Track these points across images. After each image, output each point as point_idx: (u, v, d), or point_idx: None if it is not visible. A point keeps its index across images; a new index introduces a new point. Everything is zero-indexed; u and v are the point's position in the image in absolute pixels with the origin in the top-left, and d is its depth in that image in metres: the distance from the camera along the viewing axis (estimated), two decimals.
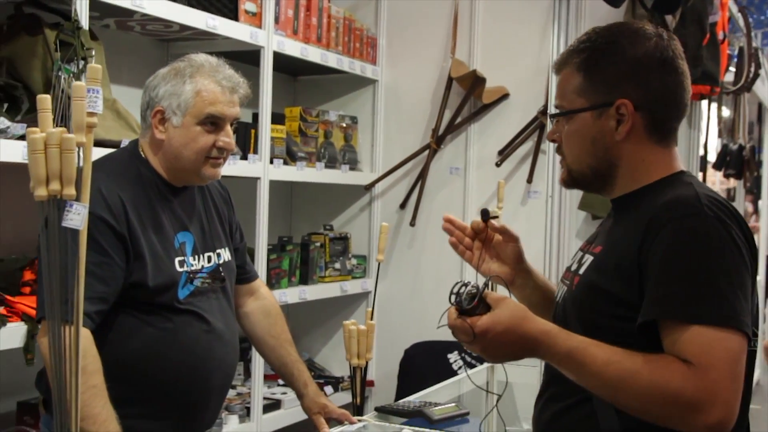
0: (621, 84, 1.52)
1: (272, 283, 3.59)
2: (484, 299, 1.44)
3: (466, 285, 1.44)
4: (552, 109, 1.67)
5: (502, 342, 1.42)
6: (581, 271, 1.59)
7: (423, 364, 3.90)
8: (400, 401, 2.59)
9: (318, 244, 3.95)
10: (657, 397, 1.35)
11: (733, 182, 6.29)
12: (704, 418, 1.32)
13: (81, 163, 1.33)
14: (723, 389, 1.32)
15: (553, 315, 1.66)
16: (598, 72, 1.54)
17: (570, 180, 1.63)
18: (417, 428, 2.24)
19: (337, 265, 4.06)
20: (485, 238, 1.82)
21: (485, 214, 1.80)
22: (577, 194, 3.52)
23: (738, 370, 1.35)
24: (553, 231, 3.10)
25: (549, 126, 1.69)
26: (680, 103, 1.56)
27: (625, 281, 1.45)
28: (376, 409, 2.45)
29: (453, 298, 1.45)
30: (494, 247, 1.83)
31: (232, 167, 3.24)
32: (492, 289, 1.75)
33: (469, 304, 1.43)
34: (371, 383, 4.24)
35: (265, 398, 3.59)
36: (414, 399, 2.61)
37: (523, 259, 1.84)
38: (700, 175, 3.79)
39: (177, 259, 2.04)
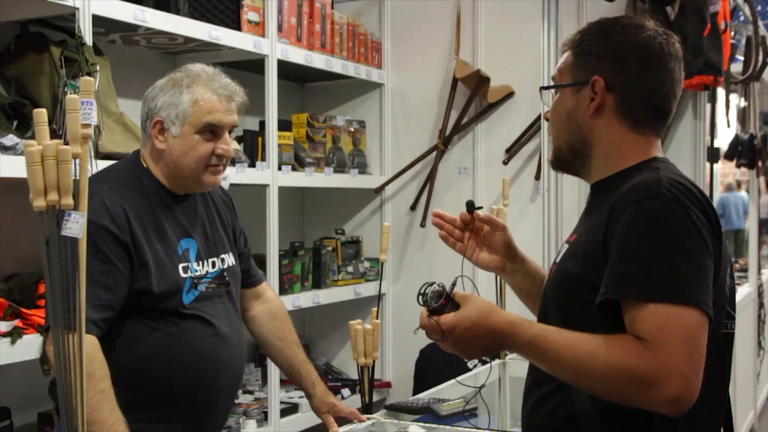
0: (600, 63, 1.56)
1: (285, 288, 3.63)
2: (452, 298, 1.46)
3: (431, 285, 1.47)
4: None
5: (469, 337, 1.44)
6: (558, 260, 1.62)
7: (438, 364, 3.92)
8: (410, 399, 2.62)
9: (330, 248, 3.99)
10: (613, 376, 1.36)
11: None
12: (661, 393, 1.32)
13: (78, 174, 1.36)
14: (677, 364, 1.32)
15: (539, 306, 1.69)
16: (584, 52, 1.58)
17: (553, 159, 1.68)
18: (424, 424, 2.26)
19: (350, 269, 4.10)
20: (473, 229, 1.87)
21: (470, 206, 1.85)
22: (578, 189, 3.53)
23: (695, 345, 1.35)
24: (551, 225, 3.12)
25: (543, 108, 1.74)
26: (655, 96, 1.57)
27: (593, 266, 1.46)
28: (386, 407, 2.48)
29: (420, 298, 1.47)
30: (484, 236, 1.88)
31: (241, 175, 3.28)
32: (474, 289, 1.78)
33: (437, 302, 1.45)
34: (388, 384, 4.27)
35: (282, 402, 3.63)
36: (424, 396, 2.64)
37: (513, 247, 1.88)
38: (707, 166, 3.78)
39: (181, 266, 2.08)
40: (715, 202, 5.64)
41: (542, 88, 1.69)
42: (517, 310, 1.61)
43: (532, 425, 1.62)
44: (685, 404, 1.34)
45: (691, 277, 1.37)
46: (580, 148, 1.61)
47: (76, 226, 1.36)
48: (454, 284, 1.51)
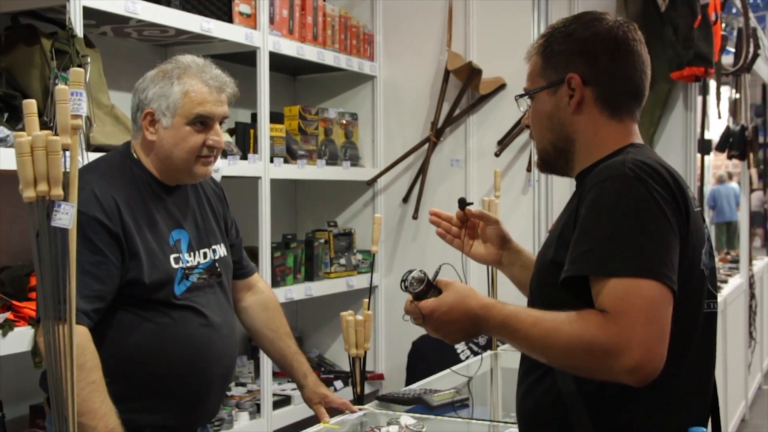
0: (572, 61, 1.60)
1: (277, 280, 3.64)
2: (434, 285, 1.53)
3: (412, 271, 1.52)
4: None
5: (448, 320, 1.51)
6: (540, 249, 1.67)
7: (431, 356, 3.93)
8: (402, 389, 2.63)
9: (322, 240, 4.00)
10: (575, 348, 1.39)
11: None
12: (622, 362, 1.35)
13: (68, 164, 1.36)
14: (637, 333, 1.35)
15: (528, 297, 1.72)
16: (553, 53, 1.62)
17: (540, 162, 1.71)
18: (416, 414, 2.27)
19: (343, 261, 4.10)
20: (468, 225, 1.94)
21: (462, 203, 1.93)
22: (569, 180, 3.54)
23: (655, 315, 1.37)
24: (542, 216, 3.13)
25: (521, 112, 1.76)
26: (630, 80, 1.61)
27: (566, 249, 1.49)
28: (377, 397, 2.49)
29: (402, 284, 1.52)
30: (479, 231, 1.95)
31: (233, 167, 3.28)
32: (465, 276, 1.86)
33: (418, 288, 1.51)
34: (381, 376, 4.28)
35: (274, 395, 3.64)
36: (416, 387, 2.65)
37: (508, 239, 1.94)
38: (698, 157, 3.79)
39: (172, 256, 2.08)
40: (707, 195, 5.69)
41: (518, 96, 1.71)
42: (509, 301, 1.62)
43: (524, 412, 1.65)
44: (648, 373, 1.36)
45: (652, 251, 1.40)
46: (563, 145, 1.64)
47: (65, 216, 1.36)
48: (437, 272, 1.56)
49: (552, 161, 1.68)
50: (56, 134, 1.33)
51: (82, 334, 1.84)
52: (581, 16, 1.65)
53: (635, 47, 1.61)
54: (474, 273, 3.37)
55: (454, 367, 3.05)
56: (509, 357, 3.06)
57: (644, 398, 1.46)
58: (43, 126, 2.01)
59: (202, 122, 2.08)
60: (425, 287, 1.51)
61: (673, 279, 1.40)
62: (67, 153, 1.35)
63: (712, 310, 1.58)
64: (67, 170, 1.35)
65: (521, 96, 1.69)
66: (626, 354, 1.34)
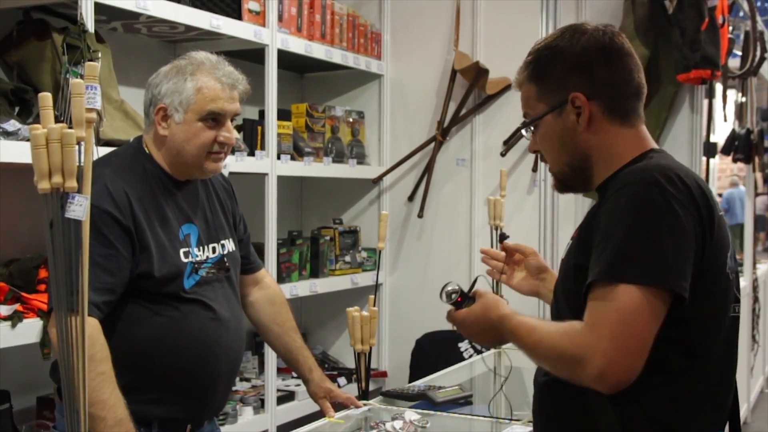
0: (569, 80, 1.59)
1: (283, 276, 3.66)
2: (467, 295, 1.69)
3: (448, 283, 1.70)
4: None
5: (477, 330, 1.65)
6: (563, 256, 1.69)
7: (434, 354, 3.95)
8: (406, 385, 2.64)
9: (328, 237, 4.01)
10: (550, 356, 1.51)
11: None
12: (587, 370, 1.42)
13: (82, 157, 1.38)
14: (600, 343, 1.41)
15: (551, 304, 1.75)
16: (547, 76, 1.61)
17: (558, 184, 1.70)
18: (420, 410, 2.29)
19: (348, 258, 4.12)
20: (511, 258, 2.07)
21: (502, 237, 2.09)
22: None
23: (627, 328, 1.41)
24: (547, 216, 3.15)
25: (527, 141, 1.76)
26: (631, 82, 1.61)
27: (585, 252, 1.51)
28: (382, 393, 2.51)
29: (440, 295, 1.70)
30: (520, 263, 2.07)
31: (240, 164, 3.30)
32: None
33: (452, 299, 1.68)
34: (384, 374, 4.30)
35: (278, 390, 3.66)
36: (420, 383, 2.67)
37: (546, 269, 2.02)
38: (704, 160, 3.80)
39: (182, 250, 2.10)
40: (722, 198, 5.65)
41: (522, 126, 1.69)
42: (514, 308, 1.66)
43: (544, 404, 1.66)
44: (613, 383, 1.42)
45: (658, 256, 1.42)
46: (580, 164, 1.63)
47: (79, 208, 1.38)
48: (474, 283, 1.73)
49: (570, 181, 1.67)
50: (69, 127, 1.35)
51: (92, 326, 1.85)
52: (562, 33, 1.64)
53: (624, 47, 1.61)
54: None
55: (457, 365, 3.07)
56: (512, 356, 3.08)
57: (668, 396, 1.49)
58: (54, 120, 2.03)
59: (214, 119, 2.10)
60: (459, 298, 1.68)
61: (670, 281, 1.42)
62: (81, 145, 1.36)
63: (736, 314, 1.58)
64: (81, 163, 1.37)
65: (525, 125, 1.67)
66: (590, 363, 1.41)
